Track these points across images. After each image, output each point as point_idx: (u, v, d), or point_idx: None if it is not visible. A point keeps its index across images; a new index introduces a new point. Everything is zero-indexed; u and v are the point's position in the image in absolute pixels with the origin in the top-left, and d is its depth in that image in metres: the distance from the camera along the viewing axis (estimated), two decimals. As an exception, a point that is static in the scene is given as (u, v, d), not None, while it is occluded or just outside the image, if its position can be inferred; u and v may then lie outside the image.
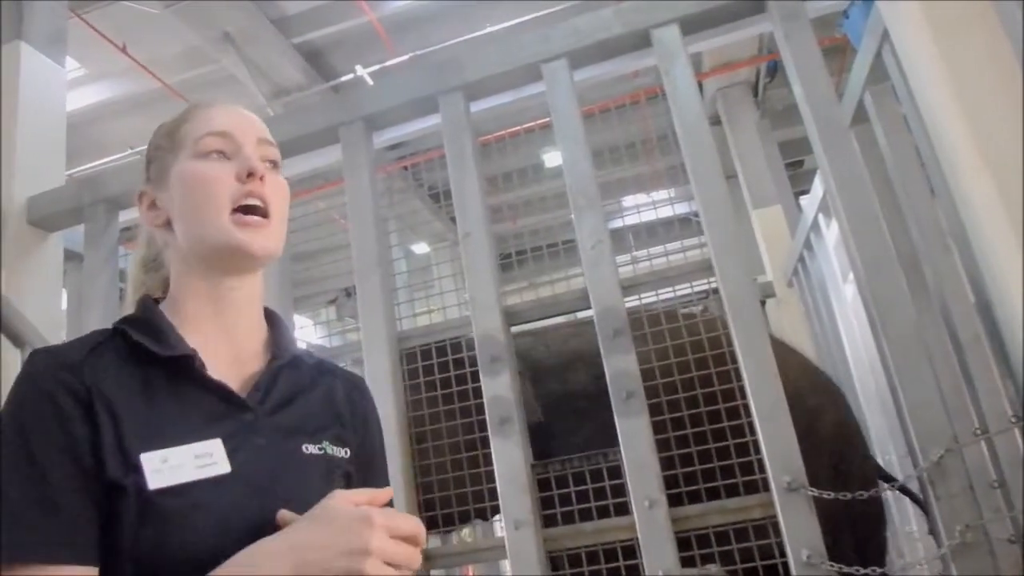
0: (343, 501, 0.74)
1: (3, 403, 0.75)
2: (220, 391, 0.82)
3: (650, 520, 1.92)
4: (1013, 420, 1.78)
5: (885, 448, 2.94)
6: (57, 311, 2.87)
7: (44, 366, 0.76)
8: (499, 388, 2.11)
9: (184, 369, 0.81)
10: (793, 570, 1.78)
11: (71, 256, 2.97)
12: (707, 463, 2.00)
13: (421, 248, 10.78)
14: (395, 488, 1.52)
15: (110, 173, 2.78)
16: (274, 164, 0.92)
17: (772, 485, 1.84)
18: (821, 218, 3.27)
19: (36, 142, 2.87)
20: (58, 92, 3.00)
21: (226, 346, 0.87)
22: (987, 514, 1.80)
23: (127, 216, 2.71)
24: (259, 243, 0.86)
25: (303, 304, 9.62)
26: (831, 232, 3.24)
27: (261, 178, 0.87)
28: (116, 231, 2.66)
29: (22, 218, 2.75)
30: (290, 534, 0.72)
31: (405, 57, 6.60)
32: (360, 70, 6.74)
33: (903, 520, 2.82)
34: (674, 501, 1.97)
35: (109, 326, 0.86)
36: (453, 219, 2.26)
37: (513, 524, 2.02)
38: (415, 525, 0.75)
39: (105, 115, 7.40)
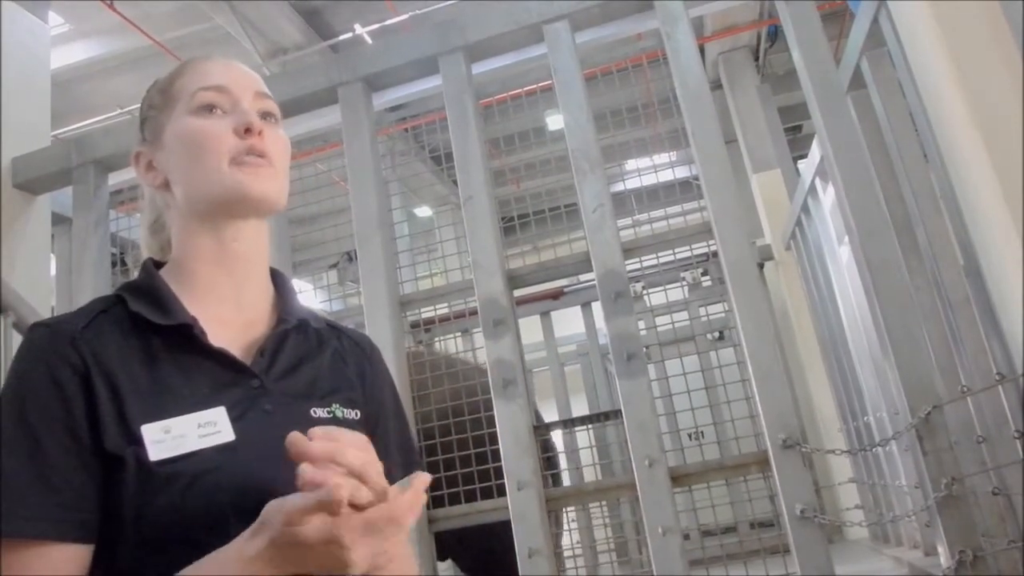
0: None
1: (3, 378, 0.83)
2: (223, 358, 0.84)
3: (650, 478, 2.11)
4: (997, 378, 1.97)
5: (876, 405, 3.16)
6: (45, 277, 2.95)
7: (42, 339, 0.79)
8: (502, 351, 2.27)
9: (185, 337, 0.83)
10: (787, 523, 1.98)
11: (59, 220, 3.04)
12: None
13: (423, 211, 10.92)
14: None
15: (100, 133, 2.85)
16: (273, 118, 0.93)
17: (768, 442, 2.03)
18: (818, 182, 3.45)
19: (19, 101, 2.92)
20: (41, 49, 3.05)
21: (235, 309, 0.89)
22: (972, 467, 2.00)
23: (117, 178, 2.79)
24: (258, 186, 0.87)
25: (305, 268, 9.78)
26: (828, 196, 3.42)
27: (260, 133, 0.88)
28: (107, 193, 2.75)
29: (7, 180, 2.82)
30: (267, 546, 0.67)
31: (405, 16, 6.64)
32: (359, 29, 6.79)
33: (893, 474, 3.04)
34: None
35: (107, 292, 0.89)
36: (455, 182, 2.38)
37: (516, 485, 2.19)
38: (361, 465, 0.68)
39: (93, 73, 7.38)
